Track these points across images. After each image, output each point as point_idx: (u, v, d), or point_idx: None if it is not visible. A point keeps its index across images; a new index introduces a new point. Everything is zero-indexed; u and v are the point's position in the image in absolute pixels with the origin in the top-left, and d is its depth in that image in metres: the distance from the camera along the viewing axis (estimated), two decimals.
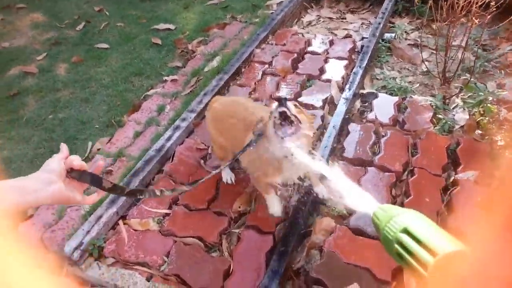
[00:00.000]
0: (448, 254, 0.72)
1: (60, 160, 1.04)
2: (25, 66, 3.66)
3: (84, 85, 3.37)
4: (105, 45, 3.89)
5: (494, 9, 2.27)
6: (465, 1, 2.39)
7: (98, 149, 2.66)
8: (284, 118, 1.48)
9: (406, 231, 0.80)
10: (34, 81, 3.47)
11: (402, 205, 2.10)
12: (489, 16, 2.30)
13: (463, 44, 2.71)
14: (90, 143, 2.74)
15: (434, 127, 2.55)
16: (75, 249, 1.97)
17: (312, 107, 2.75)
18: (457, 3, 2.45)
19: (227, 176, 2.28)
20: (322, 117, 2.66)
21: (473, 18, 2.35)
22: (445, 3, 2.54)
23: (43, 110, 3.13)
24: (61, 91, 3.33)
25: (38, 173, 0.99)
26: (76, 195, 1.05)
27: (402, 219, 0.82)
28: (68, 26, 4.31)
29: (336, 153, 2.44)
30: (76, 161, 1.07)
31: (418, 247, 0.76)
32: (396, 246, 0.80)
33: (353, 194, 0.99)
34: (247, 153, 1.72)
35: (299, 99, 2.82)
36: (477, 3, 2.35)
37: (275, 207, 2.00)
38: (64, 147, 1.08)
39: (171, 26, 4.09)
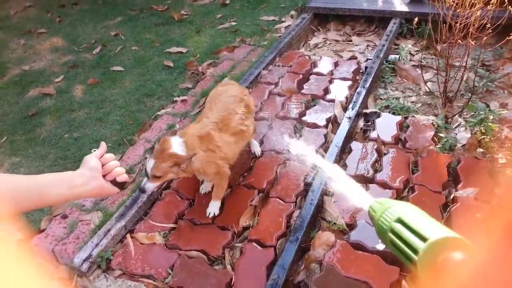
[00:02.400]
0: (438, 240, 0.75)
1: (98, 157, 1.19)
2: (43, 88, 3.84)
3: (99, 106, 3.52)
4: (120, 68, 4.07)
5: (490, 31, 2.34)
6: (460, 24, 2.47)
7: None
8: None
9: (399, 221, 0.84)
10: (52, 102, 3.64)
11: None
12: (485, 38, 2.37)
13: (464, 64, 2.77)
14: None
15: (436, 145, 2.60)
16: (84, 261, 2.05)
17: (316, 125, 2.83)
18: (454, 25, 2.54)
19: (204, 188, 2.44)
20: (325, 136, 2.74)
21: (470, 39, 2.42)
22: (444, 25, 2.63)
23: (59, 129, 3.28)
24: (77, 111, 3.48)
25: (81, 170, 1.14)
26: (111, 187, 1.20)
27: (396, 210, 0.86)
28: (85, 50, 4.52)
29: None
30: (110, 158, 1.22)
31: (411, 234, 0.79)
32: (390, 234, 0.84)
33: (351, 190, 1.05)
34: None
35: (303, 118, 2.91)
36: (474, 25, 2.43)
37: None
38: (103, 145, 1.23)
39: (183, 50, 4.27)
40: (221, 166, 2.15)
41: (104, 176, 1.19)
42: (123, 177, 1.23)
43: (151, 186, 1.96)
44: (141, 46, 4.48)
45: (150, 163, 1.93)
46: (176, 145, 1.97)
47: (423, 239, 0.77)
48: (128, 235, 2.22)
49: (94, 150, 1.23)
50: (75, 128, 3.27)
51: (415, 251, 0.77)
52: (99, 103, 3.56)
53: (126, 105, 3.48)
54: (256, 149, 2.65)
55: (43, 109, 3.55)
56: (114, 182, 1.21)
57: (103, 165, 1.19)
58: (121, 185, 1.24)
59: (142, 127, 3.15)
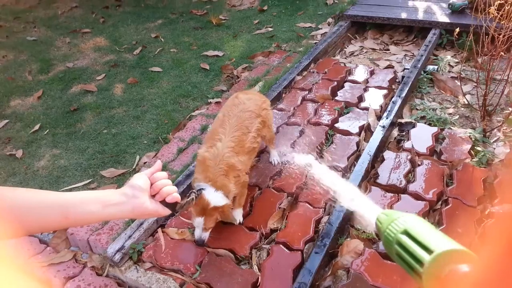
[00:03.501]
0: (444, 253, 0.75)
1: (147, 175, 1.08)
2: (85, 85, 4.01)
3: (137, 104, 3.64)
4: (158, 69, 4.19)
5: None
6: (504, 36, 2.41)
7: (145, 163, 2.87)
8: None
9: (406, 233, 0.84)
10: (93, 98, 3.79)
11: None
12: None
13: (506, 78, 2.70)
14: (138, 157, 2.95)
15: (472, 159, 2.54)
16: (117, 252, 2.12)
17: (348, 133, 2.83)
18: (497, 37, 2.48)
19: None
20: (358, 143, 2.72)
21: None
22: (486, 37, 2.57)
23: (98, 125, 3.41)
24: (116, 108, 3.61)
25: (123, 188, 1.04)
26: (159, 208, 1.08)
27: (402, 222, 0.86)
28: (127, 50, 4.68)
29: (369, 178, 2.49)
30: (160, 177, 1.09)
31: (416, 246, 0.79)
32: (396, 246, 0.84)
33: (359, 201, 1.05)
34: None
35: (336, 125, 2.91)
36: None
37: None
38: (157, 163, 1.12)
39: (220, 53, 4.35)
40: (243, 181, 2.20)
41: (154, 196, 1.08)
42: (173, 197, 1.09)
43: (206, 235, 2.05)
44: (179, 49, 4.60)
45: (198, 221, 1.99)
46: (216, 198, 2.00)
47: (429, 251, 0.76)
48: (159, 230, 2.29)
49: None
50: (113, 125, 3.39)
51: (420, 263, 0.77)
52: (137, 101, 3.68)
53: (162, 105, 3.58)
54: (274, 158, 2.66)
55: (84, 105, 3.70)
56: (164, 203, 1.09)
57: (152, 184, 1.08)
58: (172, 206, 1.11)
59: (177, 126, 3.23)
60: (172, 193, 1.09)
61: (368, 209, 0.99)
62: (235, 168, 2.10)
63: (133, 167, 2.87)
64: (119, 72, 4.22)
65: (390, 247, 0.86)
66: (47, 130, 3.40)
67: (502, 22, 2.47)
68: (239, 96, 2.40)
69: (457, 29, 2.71)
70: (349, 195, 1.06)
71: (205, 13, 5.46)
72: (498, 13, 2.47)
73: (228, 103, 2.41)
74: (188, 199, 2.00)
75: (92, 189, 2.70)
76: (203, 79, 3.92)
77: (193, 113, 3.39)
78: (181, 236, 2.23)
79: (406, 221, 0.85)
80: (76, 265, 2.17)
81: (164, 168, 2.74)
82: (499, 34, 2.49)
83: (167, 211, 1.10)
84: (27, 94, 3.96)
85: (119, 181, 2.74)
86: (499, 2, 2.46)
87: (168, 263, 2.10)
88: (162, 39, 4.87)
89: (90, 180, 2.78)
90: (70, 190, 2.71)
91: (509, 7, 2.45)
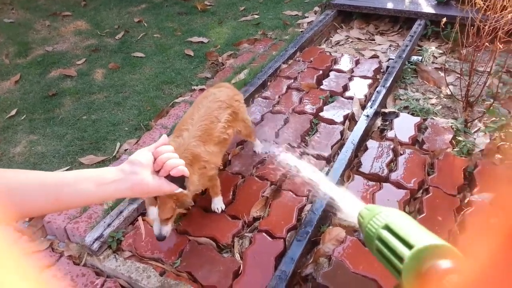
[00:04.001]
0: (425, 248, 0.72)
1: (150, 150, 0.99)
2: (65, 70, 3.90)
3: (118, 90, 3.55)
4: (141, 54, 4.10)
5: None
6: (489, 27, 2.41)
7: (126, 150, 2.81)
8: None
9: (387, 228, 0.81)
10: (73, 83, 3.69)
11: None
12: None
13: (488, 69, 2.71)
14: (118, 144, 2.89)
15: (453, 149, 2.56)
16: (95, 240, 2.07)
17: (333, 122, 2.82)
18: (483, 28, 2.48)
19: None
20: (342, 132, 2.72)
21: (498, 43, 2.36)
22: (471, 28, 2.57)
23: (78, 110, 3.32)
24: (96, 94, 3.52)
25: (122, 164, 0.94)
26: (163, 183, 0.98)
27: (384, 216, 0.83)
28: (108, 34, 4.57)
29: (352, 167, 2.48)
30: (164, 150, 1.00)
31: (397, 241, 0.76)
32: (377, 242, 0.81)
33: (341, 196, 1.02)
34: None
35: (320, 114, 2.89)
36: (503, 29, 2.37)
37: None
38: (162, 138, 1.03)
39: (204, 40, 4.28)
40: (212, 174, 2.11)
41: (158, 172, 0.98)
42: (178, 170, 0.98)
43: (167, 228, 1.87)
44: (163, 34, 4.51)
45: (152, 212, 1.82)
46: None
47: (410, 246, 0.74)
48: (140, 218, 2.25)
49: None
50: (93, 111, 3.31)
51: (401, 259, 0.74)
52: (119, 87, 3.59)
53: (144, 91, 3.51)
54: (258, 148, 2.62)
55: (63, 90, 3.60)
56: (170, 178, 0.99)
57: (155, 159, 0.97)
58: (180, 181, 1.01)
59: (159, 113, 3.17)
60: (178, 166, 0.98)
61: (350, 204, 0.96)
62: (201, 159, 1.99)
63: (114, 154, 2.81)
64: (100, 57, 4.12)
65: (371, 243, 0.83)
66: (24, 116, 3.30)
67: (488, 13, 2.48)
68: (210, 90, 2.33)
69: (444, 19, 2.71)
70: (332, 192, 1.04)
71: None
72: (484, 4, 2.47)
73: (200, 96, 2.32)
74: None
75: None
76: (187, 66, 3.85)
77: (176, 100, 3.33)
78: None
79: (388, 216, 0.82)
80: (52, 254, 2.12)
81: None
82: (485, 25, 2.49)
83: (174, 187, 1.00)
84: (3, 78, 3.84)
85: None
86: None
87: (148, 251, 2.06)
88: (145, 24, 4.76)
89: (68, 167, 2.71)
90: None
91: None
